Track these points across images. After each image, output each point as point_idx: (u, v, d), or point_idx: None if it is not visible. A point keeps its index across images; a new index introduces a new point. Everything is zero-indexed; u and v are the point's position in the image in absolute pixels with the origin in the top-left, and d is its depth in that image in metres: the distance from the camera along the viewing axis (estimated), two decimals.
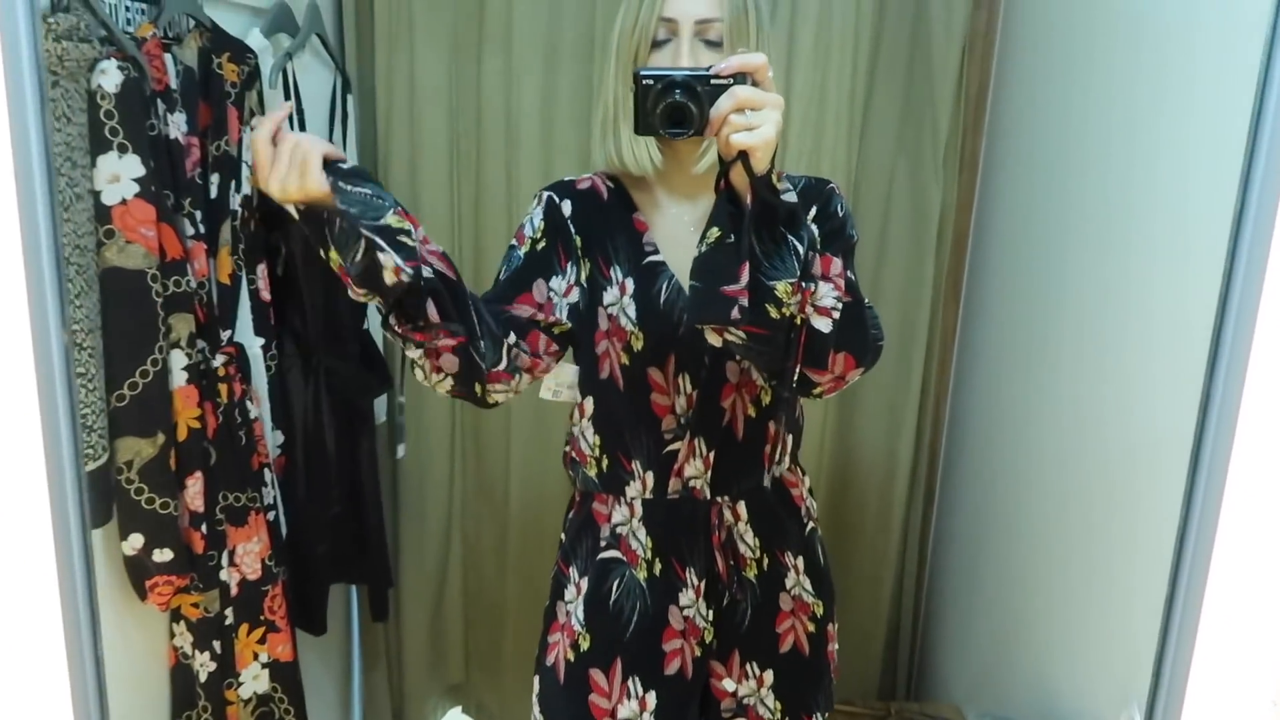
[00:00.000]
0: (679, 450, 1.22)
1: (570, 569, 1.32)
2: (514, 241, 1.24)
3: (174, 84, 1.34)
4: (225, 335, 1.46)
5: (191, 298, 1.32)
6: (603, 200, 1.25)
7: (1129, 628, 1.31)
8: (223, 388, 1.42)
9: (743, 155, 0.94)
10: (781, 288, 0.96)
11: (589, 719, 1.25)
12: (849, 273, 1.06)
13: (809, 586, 1.31)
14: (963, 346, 2.09)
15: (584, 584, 1.28)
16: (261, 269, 1.59)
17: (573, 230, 1.23)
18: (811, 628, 1.31)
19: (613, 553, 1.27)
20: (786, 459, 1.29)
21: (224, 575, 1.45)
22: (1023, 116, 1.84)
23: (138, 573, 1.29)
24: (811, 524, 1.34)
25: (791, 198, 0.99)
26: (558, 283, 1.22)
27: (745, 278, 0.95)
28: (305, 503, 1.68)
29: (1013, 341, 1.82)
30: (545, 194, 1.25)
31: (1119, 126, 1.43)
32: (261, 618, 1.50)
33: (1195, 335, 1.19)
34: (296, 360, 1.69)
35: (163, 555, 1.29)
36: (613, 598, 1.25)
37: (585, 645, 1.26)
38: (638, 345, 1.19)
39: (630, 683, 1.24)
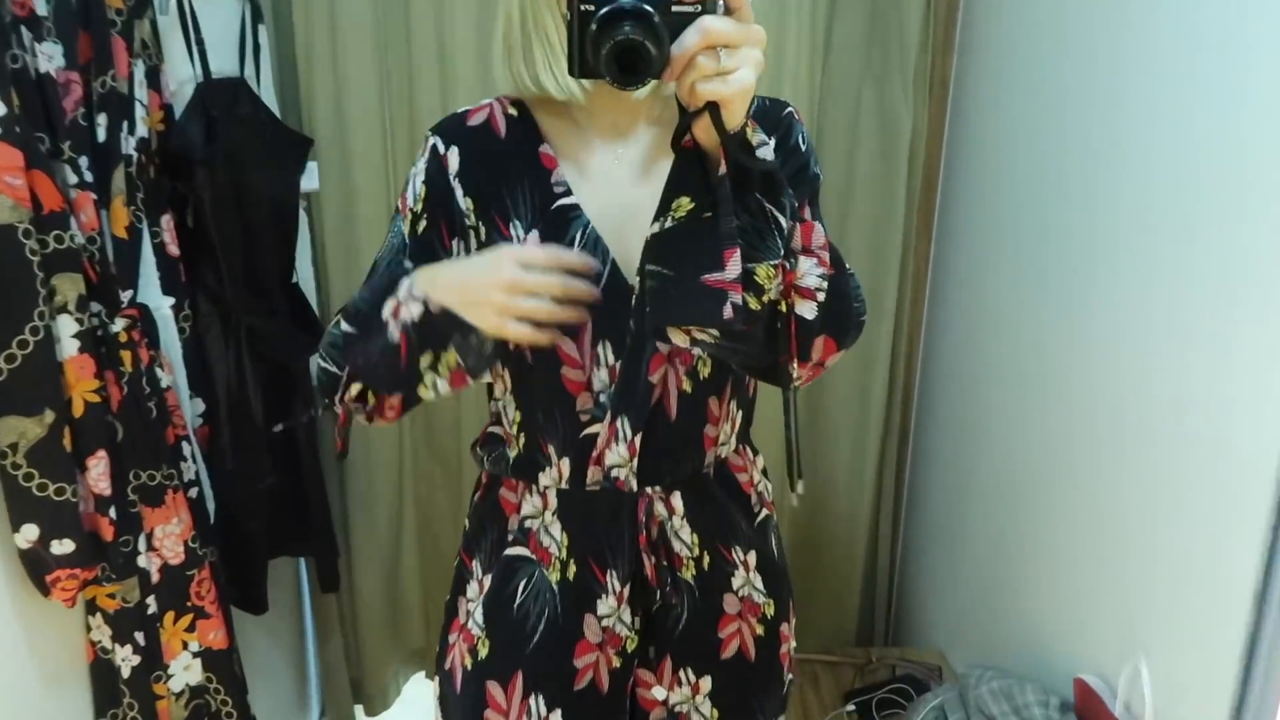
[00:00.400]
0: (598, 434, 1.01)
1: (473, 562, 1.13)
2: (397, 205, 1.03)
3: (42, 10, 1.16)
4: (126, 296, 1.30)
5: (78, 255, 1.17)
6: (499, 138, 1.00)
7: (1125, 574, 1.23)
8: (125, 355, 1.27)
9: (712, 106, 0.76)
10: (762, 272, 0.80)
11: None
12: (824, 229, 0.89)
13: (760, 585, 1.11)
14: (937, 277, 1.98)
15: (486, 581, 1.09)
16: (166, 220, 1.43)
17: (459, 193, 0.99)
18: (760, 630, 1.12)
19: (520, 549, 1.07)
20: (733, 439, 1.09)
21: (142, 561, 1.31)
22: (996, 32, 1.71)
23: (36, 567, 1.15)
24: (765, 512, 1.15)
25: (769, 153, 0.81)
26: None
27: (735, 265, 0.79)
28: (234, 476, 1.54)
29: (991, 270, 1.72)
30: (430, 140, 1.01)
31: (1102, 39, 1.31)
32: (188, 604, 1.37)
33: (1184, 255, 1.09)
34: (215, 320, 1.53)
35: (63, 547, 1.15)
36: (517, 600, 1.06)
37: (483, 653, 1.07)
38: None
39: (533, 700, 1.05)
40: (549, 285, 0.85)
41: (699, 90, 0.75)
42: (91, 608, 1.31)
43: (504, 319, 0.85)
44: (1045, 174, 1.49)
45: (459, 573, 1.15)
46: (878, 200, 1.93)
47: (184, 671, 1.38)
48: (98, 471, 1.20)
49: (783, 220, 0.82)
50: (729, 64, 0.75)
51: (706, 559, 1.07)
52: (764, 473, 1.17)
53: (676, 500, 1.05)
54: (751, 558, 1.11)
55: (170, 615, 1.35)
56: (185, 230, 1.50)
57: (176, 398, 1.40)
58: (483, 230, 0.99)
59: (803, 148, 1.01)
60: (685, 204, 0.81)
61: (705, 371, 1.01)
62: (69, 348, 1.16)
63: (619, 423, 1.00)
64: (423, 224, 1.00)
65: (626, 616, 1.05)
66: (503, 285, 0.84)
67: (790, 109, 1.03)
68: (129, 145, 1.31)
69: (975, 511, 1.77)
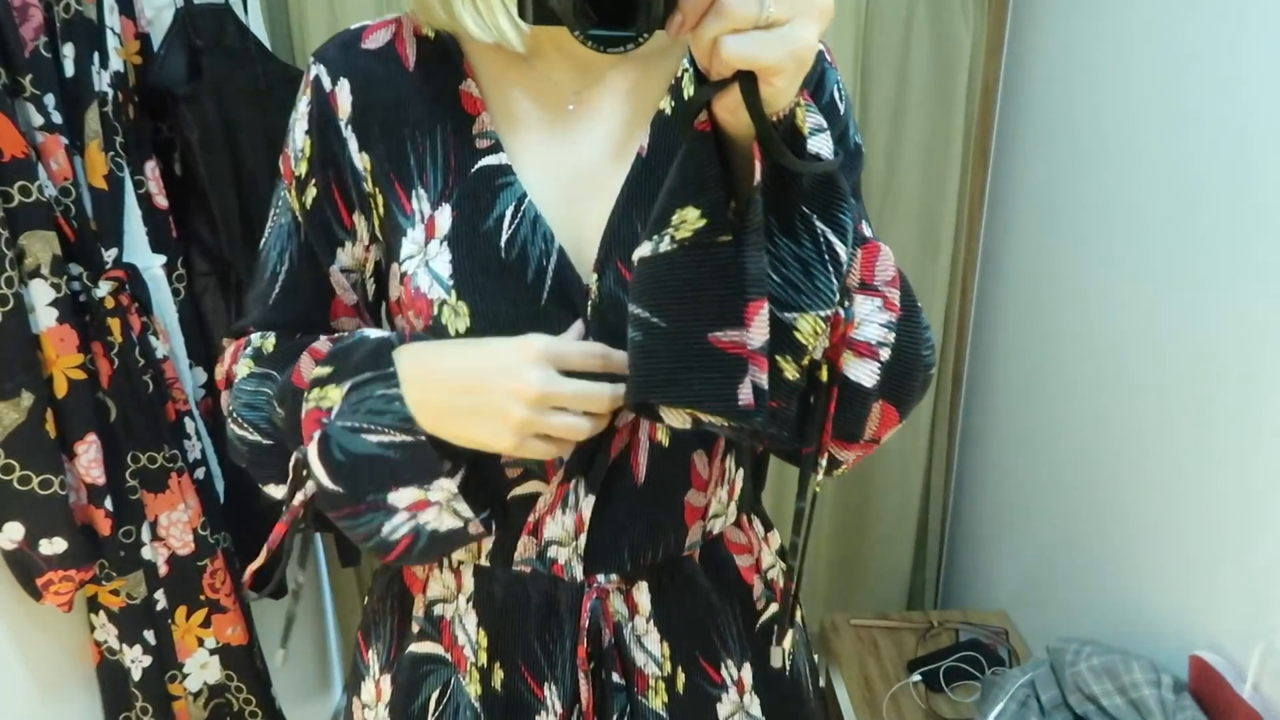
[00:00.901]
0: (532, 495, 0.72)
1: (370, 653, 0.84)
2: (279, 169, 0.74)
3: None
4: (109, 255, 1.14)
5: (49, 209, 1.01)
6: (405, 68, 0.70)
7: (1254, 539, 1.09)
8: (113, 323, 1.12)
9: (747, 78, 0.52)
10: (806, 326, 0.57)
11: None
12: (888, 256, 0.63)
13: (758, 711, 0.81)
14: (993, 213, 1.82)
15: (385, 685, 0.81)
16: (151, 168, 1.26)
17: (353, 146, 0.70)
18: None
19: (429, 645, 0.78)
20: (730, 509, 0.78)
21: (147, 553, 1.18)
22: None
23: (24, 570, 1.02)
24: (774, 609, 0.83)
25: (826, 147, 0.56)
26: (349, 256, 0.73)
27: (762, 325, 0.55)
28: None
29: (1051, 206, 1.55)
30: (312, 71, 0.71)
31: None
32: (201, 598, 1.24)
33: (1269, 188, 0.93)
34: (212, 279, 1.38)
35: (53, 546, 1.01)
36: (429, 719, 0.78)
37: None
38: (457, 325, 0.67)
39: None
40: (590, 398, 0.62)
41: (728, 51, 0.50)
42: (94, 605, 1.17)
43: (524, 438, 0.62)
44: (1115, 94, 1.32)
45: (354, 664, 0.86)
46: (931, 127, 1.75)
47: (201, 670, 1.25)
48: (89, 458, 1.06)
49: (840, 249, 0.57)
50: (777, 11, 0.49)
51: (681, 678, 0.77)
52: (781, 555, 0.86)
53: (641, 595, 0.75)
54: (746, 674, 0.80)
55: (182, 610, 1.22)
56: (173, 179, 1.34)
57: (175, 368, 1.25)
58: (380, 201, 0.70)
59: (840, 106, 0.72)
60: (692, 219, 0.56)
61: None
62: (45, 318, 1.01)
63: (571, 484, 0.71)
64: (311, 193, 0.71)
65: None
66: (532, 398, 0.60)
67: (821, 46, 0.70)
68: (102, 80, 1.14)
69: (1046, 462, 1.63)
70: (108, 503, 1.09)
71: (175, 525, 1.20)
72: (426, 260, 0.68)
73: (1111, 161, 1.38)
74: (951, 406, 1.94)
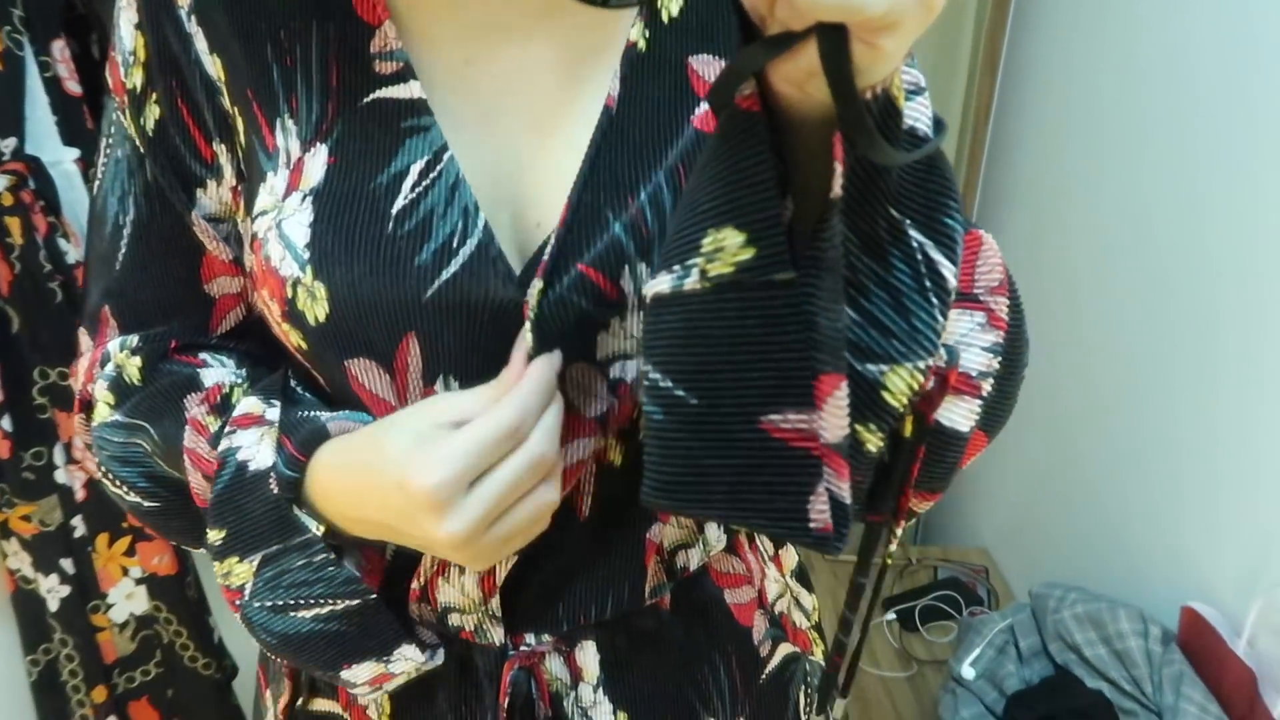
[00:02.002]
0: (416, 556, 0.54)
1: (267, 693, 0.65)
2: (107, 79, 0.53)
3: None
4: (7, 145, 1.02)
5: None
6: None
7: (1255, 489, 1.01)
8: (13, 222, 1.00)
9: (831, 32, 0.32)
10: (900, 382, 0.39)
11: None
12: (992, 251, 0.47)
13: None
14: (999, 129, 1.70)
15: None
16: (60, 48, 1.12)
17: (201, 46, 0.50)
18: None
19: (325, 704, 0.61)
20: (717, 535, 0.60)
21: (61, 477, 1.08)
22: None
23: None
24: (783, 650, 0.65)
25: (924, 117, 0.38)
26: (213, 200, 0.53)
27: (840, 405, 0.37)
28: None
29: (1061, 123, 1.43)
30: None
31: None
32: (124, 525, 1.15)
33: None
34: None
35: None
36: None
37: None
38: (316, 313, 0.49)
39: None
40: (521, 482, 0.45)
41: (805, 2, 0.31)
42: (4, 532, 1.08)
43: (496, 555, 0.47)
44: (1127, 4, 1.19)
45: (255, 696, 0.69)
46: (938, 38, 1.64)
47: (126, 600, 1.17)
48: None
49: (947, 270, 0.40)
50: None
51: None
52: (797, 577, 0.68)
53: (587, 658, 0.57)
54: None
55: (104, 538, 1.14)
56: (89, 62, 1.20)
57: None
58: (240, 125, 0.51)
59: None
60: (733, 246, 0.38)
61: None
62: None
63: None
64: (152, 113, 0.51)
65: None
66: (459, 544, 0.44)
67: None
68: None
69: (1039, 395, 1.54)
70: (5, 422, 0.99)
71: None
72: (280, 220, 0.49)
73: (1126, 76, 1.25)
74: None
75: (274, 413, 0.51)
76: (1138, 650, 1.09)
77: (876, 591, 0.51)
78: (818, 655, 0.68)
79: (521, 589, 0.54)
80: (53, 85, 1.12)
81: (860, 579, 0.49)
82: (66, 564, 1.10)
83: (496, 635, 0.55)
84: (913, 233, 0.39)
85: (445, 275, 0.47)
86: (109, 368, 0.55)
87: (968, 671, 1.22)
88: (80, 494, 1.10)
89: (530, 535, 0.47)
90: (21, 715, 1.15)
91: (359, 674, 0.52)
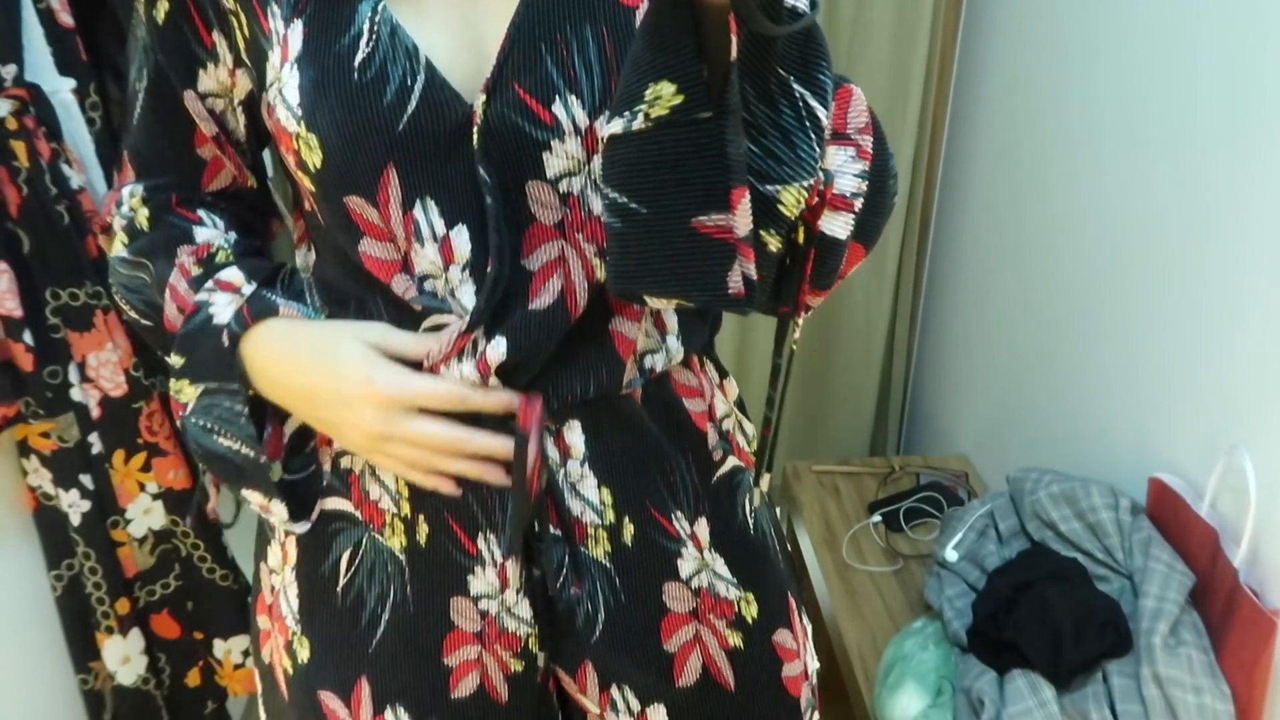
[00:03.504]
0: (445, 332, 0.64)
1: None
2: None
3: None
4: (8, 71, 1.04)
5: None
6: None
7: (1210, 359, 1.07)
8: (19, 146, 1.03)
9: None
10: (790, 197, 0.54)
11: None
12: (860, 100, 0.60)
13: (725, 570, 0.75)
14: (966, 50, 1.73)
15: (291, 548, 0.74)
16: None
17: None
18: (736, 640, 0.75)
19: (336, 501, 0.72)
20: (676, 348, 0.71)
21: (77, 395, 1.12)
22: None
23: None
24: (734, 462, 0.77)
25: (804, 1, 0.53)
26: (212, 79, 0.67)
27: (746, 212, 0.53)
28: None
29: (1032, 38, 1.48)
30: None
31: None
32: (139, 441, 1.19)
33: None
34: None
35: None
36: (343, 581, 0.71)
37: (303, 655, 0.73)
38: (313, 160, 0.61)
39: (392, 715, 0.72)
40: (436, 442, 0.63)
41: None
42: (25, 450, 1.12)
43: (383, 454, 0.64)
44: None
45: (260, 526, 0.79)
46: None
47: (144, 516, 1.21)
48: (1, 288, 0.99)
49: (821, 113, 0.55)
50: None
51: (630, 530, 0.71)
52: (739, 406, 0.80)
53: (573, 435, 0.69)
54: (703, 529, 0.74)
55: (120, 454, 1.17)
56: None
57: (93, 201, 1.16)
58: (242, 20, 0.63)
59: None
60: (668, 95, 0.53)
61: None
62: None
63: (477, 335, 0.63)
64: (163, 7, 0.64)
65: (513, 602, 0.71)
66: (374, 437, 0.62)
67: None
68: None
69: (1006, 301, 1.60)
70: (27, 336, 1.02)
71: (105, 366, 1.14)
72: (281, 88, 0.61)
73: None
74: (919, 253, 1.90)
75: (249, 289, 0.67)
76: (1109, 522, 1.16)
77: (788, 373, 0.69)
78: (769, 467, 0.81)
79: (513, 377, 0.65)
80: (46, 17, 1.13)
81: (777, 361, 0.68)
82: (86, 480, 1.14)
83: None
84: (795, 86, 0.54)
85: (410, 108, 0.59)
86: (124, 209, 0.71)
87: (951, 554, 1.29)
88: (96, 411, 1.14)
89: (410, 458, 0.63)
90: (48, 629, 1.19)
91: (252, 497, 0.69)
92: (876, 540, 1.55)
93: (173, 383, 0.68)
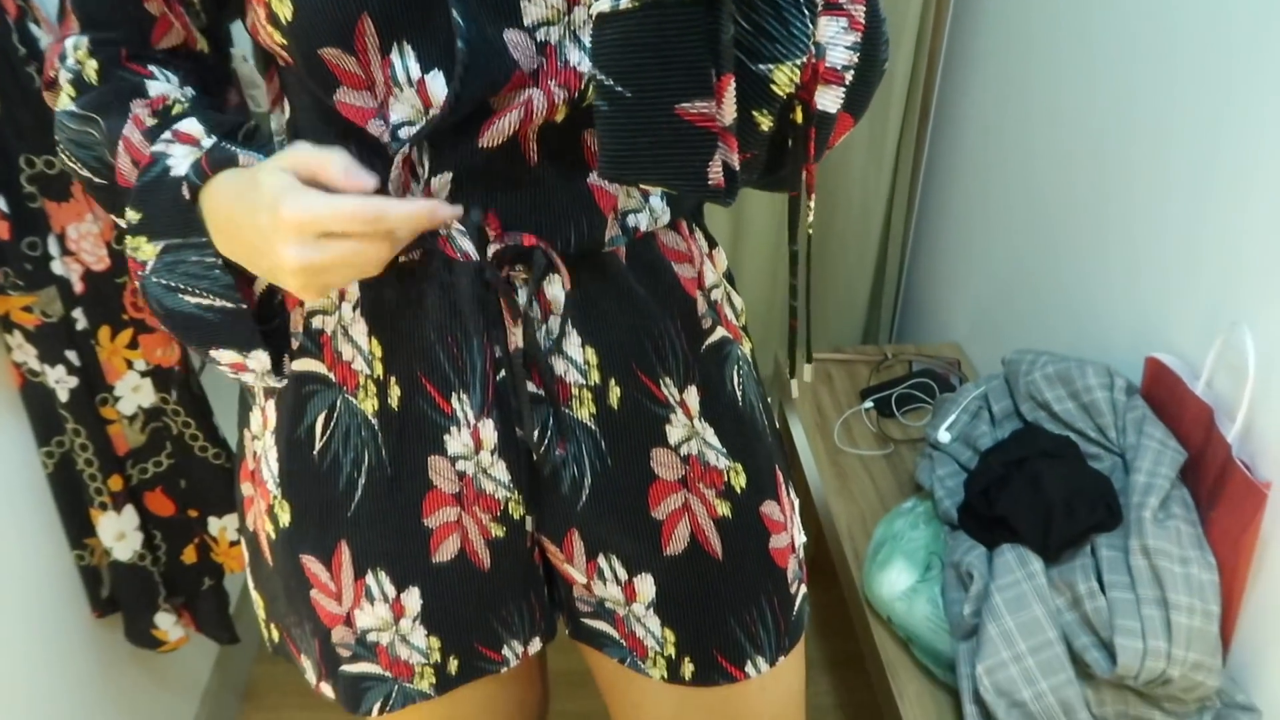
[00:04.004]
0: (411, 174, 0.63)
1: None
2: None
3: None
4: None
5: None
6: None
7: (1206, 236, 1.06)
8: None
9: None
10: (782, 76, 0.52)
11: (318, 624, 0.75)
12: None
13: (715, 440, 0.74)
14: None
15: (270, 412, 0.73)
16: None
17: None
18: (725, 510, 0.75)
19: (310, 363, 0.70)
20: (660, 207, 0.69)
21: (58, 268, 1.09)
22: None
23: None
24: (721, 333, 0.75)
25: None
26: None
27: (730, 103, 0.51)
28: None
29: None
30: None
31: None
32: (125, 317, 1.16)
33: None
34: None
35: None
36: (318, 445, 0.70)
37: (285, 519, 0.73)
38: (284, 13, 0.58)
39: (372, 580, 0.73)
40: (349, 225, 0.56)
41: None
42: (7, 325, 1.09)
43: (318, 288, 0.59)
44: None
45: (241, 393, 0.78)
46: None
47: (133, 393, 1.19)
48: None
49: None
50: None
51: (616, 392, 0.70)
52: (728, 279, 0.79)
53: (553, 289, 0.67)
54: (692, 397, 0.73)
55: (105, 331, 1.15)
56: None
57: None
58: None
59: None
60: None
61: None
62: None
63: (451, 168, 0.62)
64: None
65: (488, 463, 0.70)
66: (295, 270, 0.56)
67: None
68: None
69: (1006, 182, 1.58)
70: (2, 203, 0.98)
71: (86, 239, 1.11)
72: None
73: None
74: (918, 140, 1.86)
75: (208, 141, 0.63)
76: (1104, 401, 1.16)
77: (808, 257, 0.66)
78: (746, 350, 0.80)
79: (490, 216, 0.64)
80: None
81: (794, 248, 0.66)
82: (72, 355, 1.12)
83: (469, 248, 0.64)
84: None
85: None
86: (70, 62, 0.66)
87: (943, 436, 1.30)
88: (79, 286, 1.11)
89: (347, 280, 0.60)
90: (41, 506, 1.19)
91: (223, 356, 0.67)
92: (868, 425, 1.56)
93: (129, 240, 0.64)
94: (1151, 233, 1.19)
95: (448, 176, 0.62)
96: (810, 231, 0.64)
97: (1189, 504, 1.05)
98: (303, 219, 0.54)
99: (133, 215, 0.63)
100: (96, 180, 0.66)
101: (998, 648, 1.01)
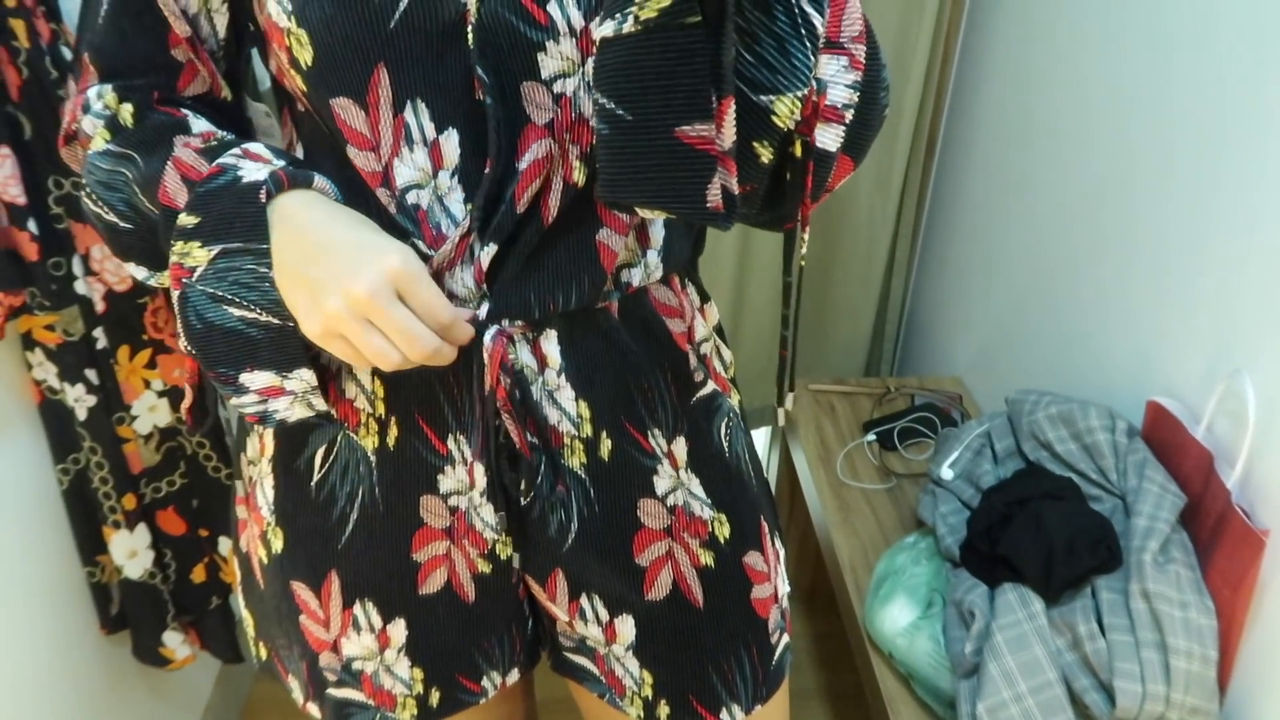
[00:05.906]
0: (449, 241, 0.65)
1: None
2: None
3: None
4: None
5: None
6: None
7: (1210, 284, 1.08)
8: (18, 25, 0.99)
9: None
10: (784, 107, 0.53)
11: (306, 648, 0.77)
12: (855, 7, 0.58)
13: (700, 491, 0.76)
14: None
15: (269, 439, 0.74)
16: None
17: None
18: (708, 559, 0.76)
19: None
20: (655, 263, 0.70)
21: (81, 288, 1.10)
22: None
23: None
24: (711, 387, 0.77)
25: None
26: None
27: (730, 127, 0.52)
28: None
29: None
30: None
31: None
32: (144, 338, 1.18)
33: None
34: None
35: None
36: (316, 477, 0.72)
37: (277, 545, 0.75)
38: (304, 57, 0.61)
39: (359, 610, 0.74)
40: (407, 337, 0.58)
41: None
42: (29, 343, 1.11)
43: (329, 331, 0.58)
44: None
45: (240, 418, 0.77)
46: None
47: (149, 413, 1.21)
48: (4, 174, 0.97)
49: (816, 20, 0.53)
50: None
51: (607, 445, 0.72)
52: (719, 332, 0.80)
53: (549, 344, 0.68)
54: (680, 448, 0.75)
55: (125, 350, 1.17)
56: None
57: None
58: None
59: None
60: None
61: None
62: None
63: (472, 239, 0.63)
64: None
65: (478, 503, 0.71)
66: (353, 300, 0.57)
67: None
68: None
69: (1008, 221, 1.60)
70: (31, 225, 1.00)
71: (109, 259, 1.12)
72: None
73: None
74: (924, 173, 1.89)
75: (280, 161, 0.62)
76: (1105, 443, 1.18)
77: (799, 290, 0.68)
78: (734, 402, 0.81)
79: (499, 282, 0.65)
80: None
81: (787, 279, 0.67)
82: (91, 374, 1.14)
83: (477, 309, 0.65)
84: None
85: (402, 5, 0.58)
86: (98, 108, 0.65)
87: (946, 472, 1.32)
88: (100, 306, 1.13)
89: (355, 359, 0.59)
90: (54, 522, 1.20)
91: (256, 380, 0.62)
92: (870, 459, 1.58)
93: (178, 245, 0.61)
94: (1153, 275, 1.21)
95: (493, 249, 0.63)
96: (803, 264, 0.66)
97: (1189, 548, 1.07)
98: (404, 271, 0.56)
99: (188, 220, 0.61)
100: (122, 225, 0.65)
101: (999, 687, 1.03)
